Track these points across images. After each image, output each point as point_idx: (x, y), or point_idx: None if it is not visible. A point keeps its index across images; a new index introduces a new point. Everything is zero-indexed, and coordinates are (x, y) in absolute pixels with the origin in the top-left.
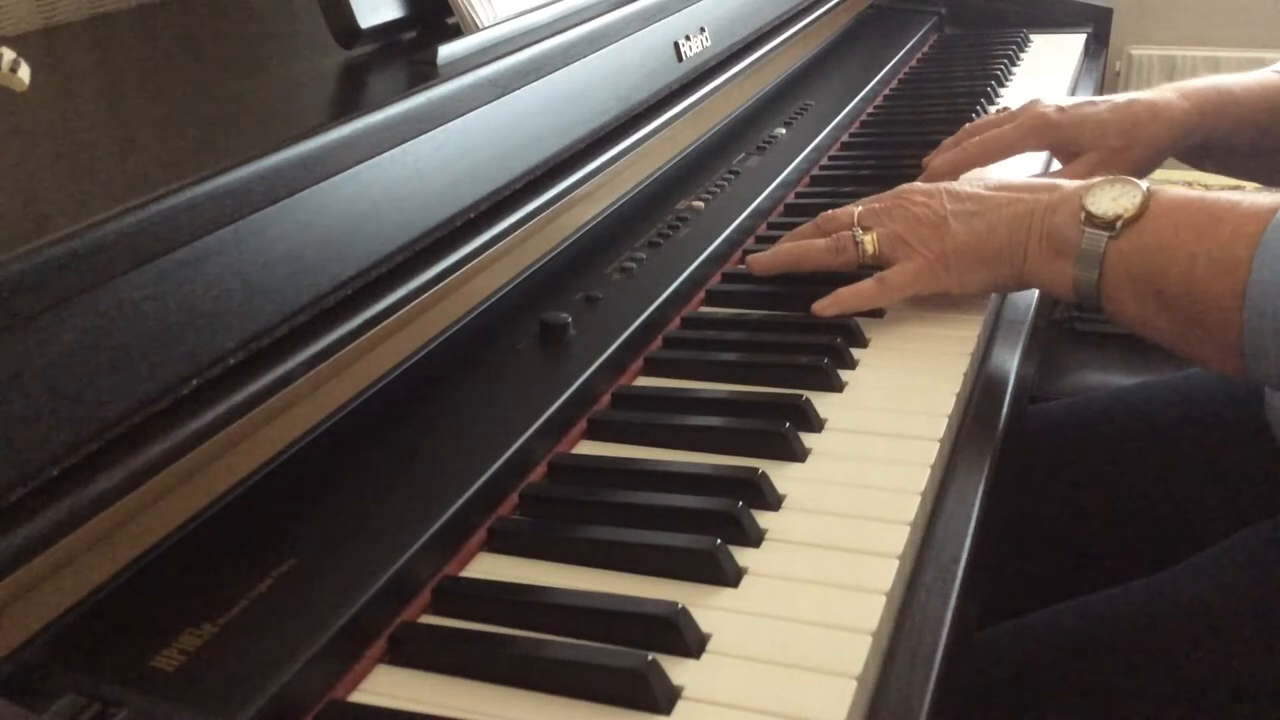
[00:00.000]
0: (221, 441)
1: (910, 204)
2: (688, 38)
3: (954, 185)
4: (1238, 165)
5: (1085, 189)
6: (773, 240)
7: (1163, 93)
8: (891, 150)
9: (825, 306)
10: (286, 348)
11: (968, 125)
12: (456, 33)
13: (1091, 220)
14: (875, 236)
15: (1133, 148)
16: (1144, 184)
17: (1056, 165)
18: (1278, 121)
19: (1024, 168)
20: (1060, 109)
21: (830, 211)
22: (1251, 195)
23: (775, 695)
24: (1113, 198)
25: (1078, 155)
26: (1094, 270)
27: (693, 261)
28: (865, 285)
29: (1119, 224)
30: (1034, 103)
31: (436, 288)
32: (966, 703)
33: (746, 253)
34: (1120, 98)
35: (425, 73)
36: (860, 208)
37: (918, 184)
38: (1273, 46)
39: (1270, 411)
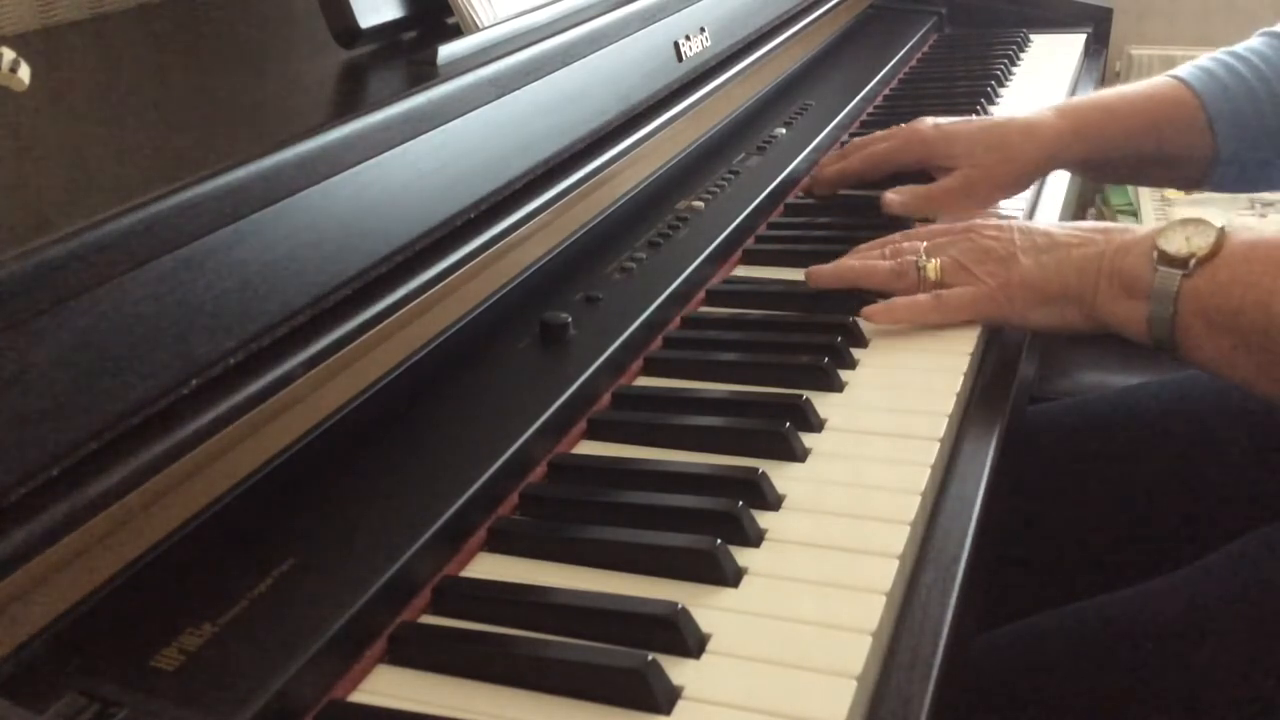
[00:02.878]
0: (221, 441)
1: (980, 236)
2: (688, 38)
3: (1026, 223)
4: (1131, 174)
5: (1158, 231)
6: (774, 240)
7: (1042, 112)
8: None
9: (878, 313)
10: (286, 348)
11: (854, 140)
12: (456, 33)
13: (1165, 259)
14: (939, 264)
15: (1004, 164)
16: (1218, 224)
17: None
18: (1165, 130)
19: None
20: (936, 126)
21: (898, 241)
22: None
23: (775, 695)
24: (1186, 237)
25: (947, 170)
26: (1168, 308)
27: (693, 261)
28: (922, 300)
29: (1193, 262)
30: (917, 120)
31: (436, 288)
32: (967, 706)
33: (746, 252)
34: (998, 116)
35: (425, 73)
36: (927, 241)
37: (991, 219)
38: None
39: None
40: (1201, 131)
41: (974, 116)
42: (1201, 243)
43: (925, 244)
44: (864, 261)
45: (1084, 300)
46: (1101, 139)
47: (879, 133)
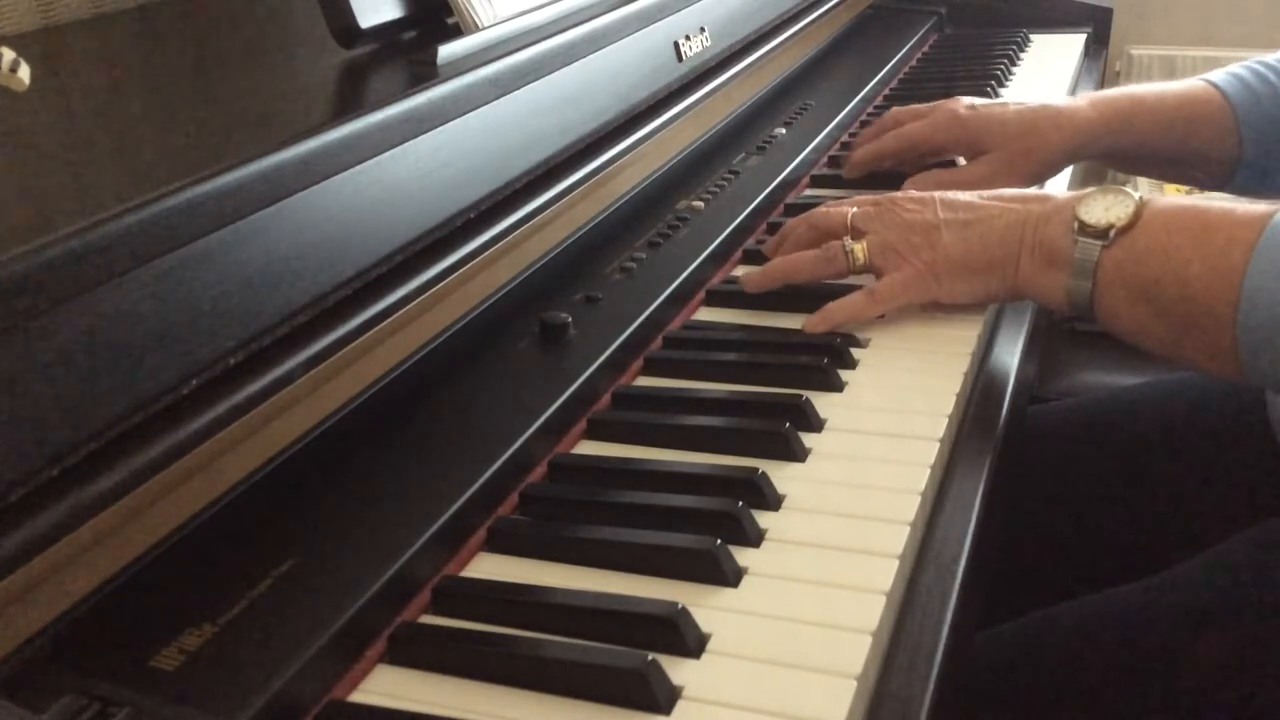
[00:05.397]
0: (221, 441)
1: (903, 210)
2: (688, 38)
3: (948, 194)
4: (1157, 170)
5: (1078, 199)
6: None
7: (1074, 101)
8: None
9: (816, 324)
10: (286, 348)
11: (892, 110)
12: (456, 33)
13: (1084, 230)
14: (865, 245)
15: (1034, 151)
16: (1136, 194)
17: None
18: (1194, 130)
19: None
20: (971, 108)
21: (824, 210)
22: (1245, 203)
23: (775, 695)
24: (1105, 207)
25: (980, 154)
26: (1087, 280)
27: (693, 261)
28: (855, 299)
29: (1112, 233)
30: (951, 99)
31: (436, 288)
32: (966, 703)
33: (746, 252)
34: (1032, 102)
35: (425, 73)
36: (854, 209)
37: (911, 191)
38: (1273, 47)
39: (1272, 413)
40: (1229, 133)
41: (1012, 100)
42: (1121, 213)
43: (853, 210)
44: (791, 257)
45: (1006, 272)
46: (1130, 132)
47: (915, 106)
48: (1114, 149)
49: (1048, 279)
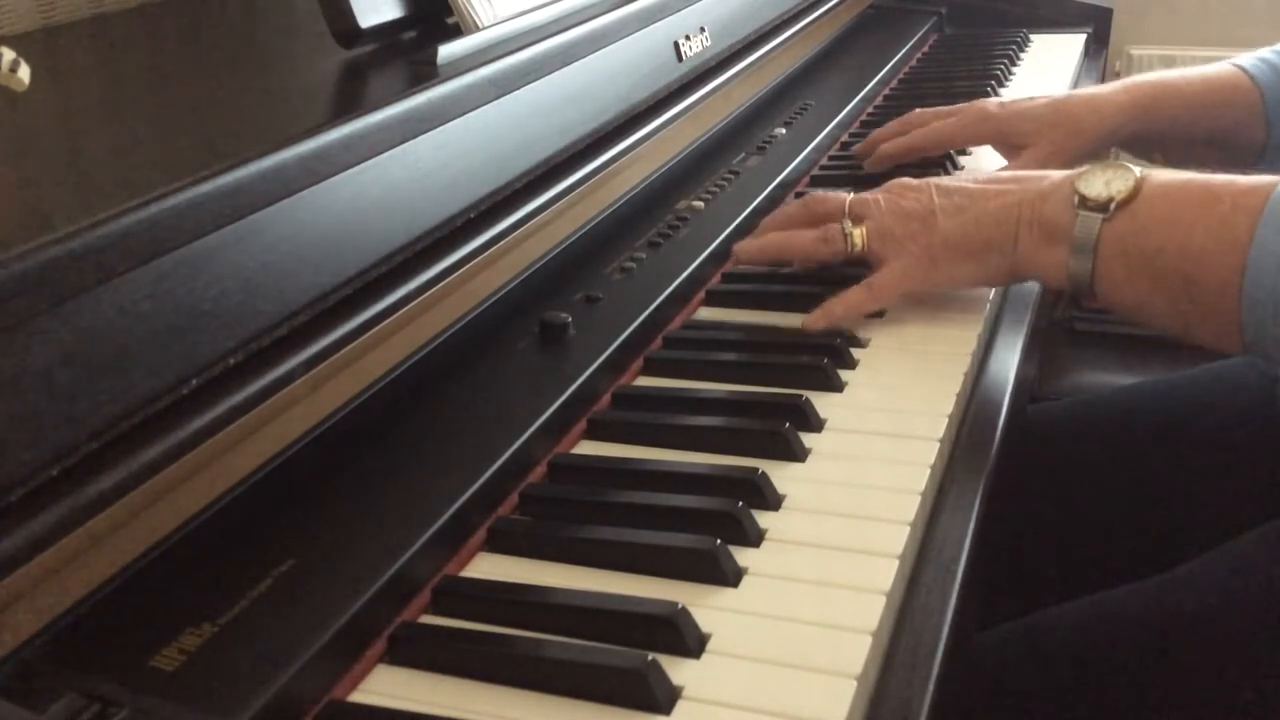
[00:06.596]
0: (221, 441)
1: (899, 197)
2: (688, 38)
3: (943, 180)
4: (1185, 153)
5: (1077, 175)
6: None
7: (1105, 87)
8: None
9: (815, 320)
10: (286, 348)
11: (915, 111)
12: (456, 33)
13: (1085, 203)
14: (864, 230)
15: (1072, 139)
16: (1136, 168)
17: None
18: (1223, 113)
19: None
20: (1002, 105)
21: (820, 195)
22: (1248, 175)
23: (775, 695)
24: (1105, 181)
25: (1019, 148)
26: (1088, 254)
27: (693, 261)
28: (854, 293)
29: (1113, 205)
30: (980, 100)
31: (436, 288)
32: (966, 703)
33: None
34: (1060, 94)
35: (425, 73)
36: (851, 195)
37: (907, 179)
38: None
39: None
40: (1257, 117)
41: (1040, 94)
42: (1121, 186)
43: (850, 197)
44: (789, 232)
45: (1005, 251)
46: (1161, 115)
47: (939, 109)
48: (1143, 133)
49: (1048, 256)
